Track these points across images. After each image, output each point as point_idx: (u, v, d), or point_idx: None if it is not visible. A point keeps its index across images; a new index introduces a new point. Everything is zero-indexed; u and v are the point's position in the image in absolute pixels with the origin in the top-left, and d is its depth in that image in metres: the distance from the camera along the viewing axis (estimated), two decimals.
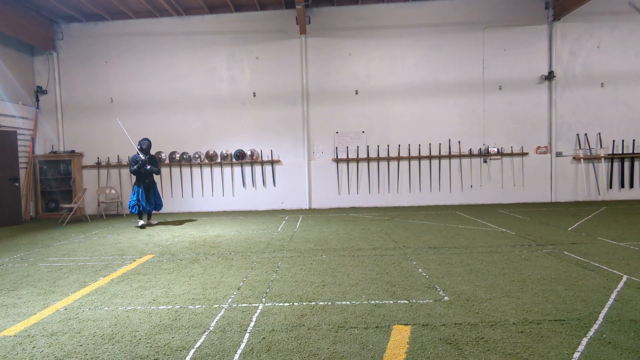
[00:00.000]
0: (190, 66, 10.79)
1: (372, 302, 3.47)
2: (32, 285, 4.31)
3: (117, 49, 10.82)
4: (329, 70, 10.66)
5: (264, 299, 3.62)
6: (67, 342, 2.85)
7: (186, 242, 6.43)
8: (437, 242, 5.88)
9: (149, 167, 8.12)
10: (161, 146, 10.80)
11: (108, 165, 10.83)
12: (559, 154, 10.51)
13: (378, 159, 10.65)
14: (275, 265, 4.83)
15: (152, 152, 10.83)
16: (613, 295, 3.44)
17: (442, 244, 5.76)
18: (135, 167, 8.00)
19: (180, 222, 8.79)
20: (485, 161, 10.62)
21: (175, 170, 10.85)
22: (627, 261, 4.51)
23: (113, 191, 10.64)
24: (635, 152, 10.32)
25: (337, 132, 10.70)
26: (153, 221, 8.68)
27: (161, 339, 2.85)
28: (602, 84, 10.35)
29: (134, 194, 8.11)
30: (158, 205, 8.48)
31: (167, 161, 10.80)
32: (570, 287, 3.69)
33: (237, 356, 2.58)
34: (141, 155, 8.08)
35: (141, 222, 8.21)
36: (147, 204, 8.18)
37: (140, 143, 8.17)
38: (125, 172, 10.90)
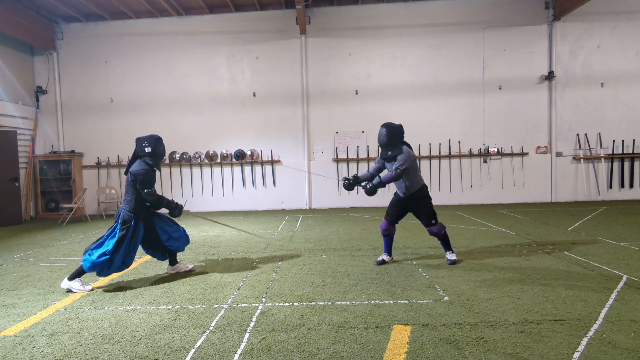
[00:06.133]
0: (190, 66, 10.78)
1: (372, 302, 3.47)
2: (32, 285, 4.31)
3: (117, 49, 10.82)
4: (329, 70, 10.65)
5: (264, 299, 3.62)
6: (67, 342, 2.85)
7: None
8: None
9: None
10: None
11: (108, 165, 10.82)
12: (559, 154, 10.50)
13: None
14: (275, 265, 4.83)
15: None
16: (613, 295, 3.44)
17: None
18: (155, 193, 4.26)
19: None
20: (485, 161, 10.62)
21: (175, 170, 10.85)
22: (627, 261, 4.51)
23: (113, 191, 10.64)
24: (635, 152, 10.32)
25: (337, 132, 10.70)
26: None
27: (161, 339, 2.85)
28: (602, 84, 10.34)
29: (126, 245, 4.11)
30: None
31: (167, 161, 10.78)
32: (570, 287, 3.69)
33: (237, 356, 2.58)
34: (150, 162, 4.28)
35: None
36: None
37: (152, 142, 4.29)
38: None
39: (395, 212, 4.63)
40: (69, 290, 4.00)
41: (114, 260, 3.99)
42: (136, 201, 4.18)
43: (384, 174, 4.55)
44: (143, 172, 4.17)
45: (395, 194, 4.70)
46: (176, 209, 4.50)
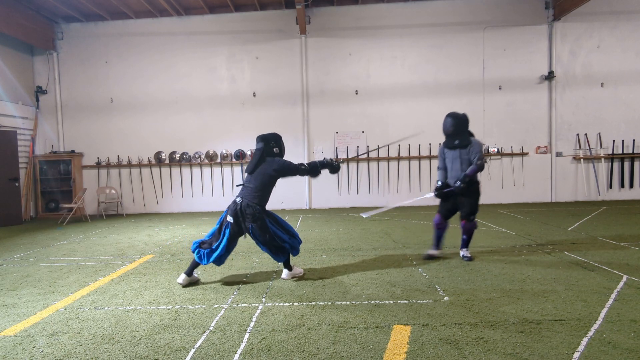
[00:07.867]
0: (190, 66, 10.78)
1: (372, 302, 3.47)
2: (32, 285, 4.31)
3: (117, 49, 10.82)
4: (329, 70, 10.65)
5: (264, 299, 3.62)
6: (67, 342, 2.85)
7: (186, 242, 6.43)
8: None
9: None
10: (161, 146, 10.80)
11: (108, 165, 10.82)
12: (559, 154, 10.51)
13: (378, 159, 10.65)
14: (275, 265, 4.83)
15: (153, 152, 10.84)
16: (613, 295, 3.44)
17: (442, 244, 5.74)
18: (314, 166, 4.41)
19: None
20: (485, 161, 10.61)
21: (175, 170, 10.85)
22: (627, 261, 4.51)
23: (113, 191, 10.64)
24: (635, 152, 10.32)
25: (337, 132, 10.70)
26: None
27: (161, 339, 2.85)
28: (602, 84, 10.34)
29: (283, 230, 4.28)
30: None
31: (167, 161, 10.79)
32: (570, 287, 3.69)
33: (237, 356, 2.58)
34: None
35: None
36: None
37: (277, 141, 4.35)
38: (125, 172, 10.88)
39: (448, 204, 4.77)
40: (294, 277, 4.27)
41: (290, 242, 4.25)
42: (266, 197, 4.21)
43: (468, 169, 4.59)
44: (287, 164, 4.22)
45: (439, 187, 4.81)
46: (332, 167, 4.50)
